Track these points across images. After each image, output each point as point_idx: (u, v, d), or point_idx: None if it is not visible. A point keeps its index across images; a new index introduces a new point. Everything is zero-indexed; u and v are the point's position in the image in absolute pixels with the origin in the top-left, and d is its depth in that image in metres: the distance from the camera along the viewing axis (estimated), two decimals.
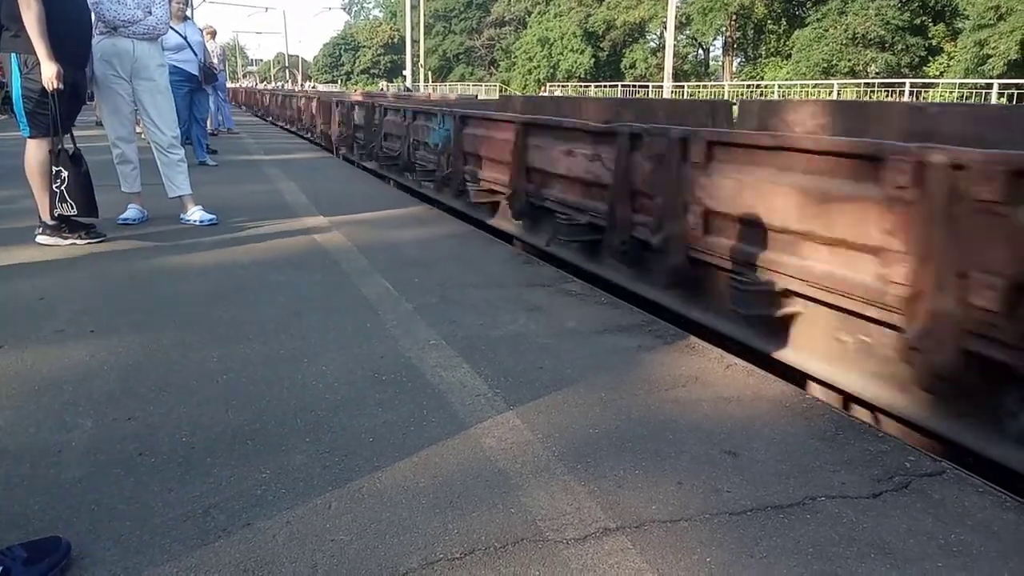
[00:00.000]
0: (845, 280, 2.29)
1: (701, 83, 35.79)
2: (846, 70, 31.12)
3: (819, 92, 25.55)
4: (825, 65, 31.91)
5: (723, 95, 27.60)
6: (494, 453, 1.86)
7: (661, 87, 28.49)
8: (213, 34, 10.47)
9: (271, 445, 1.88)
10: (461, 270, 3.68)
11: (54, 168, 3.89)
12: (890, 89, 22.99)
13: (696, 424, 2.04)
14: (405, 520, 1.58)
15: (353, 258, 3.90)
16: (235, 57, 71.62)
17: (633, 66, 43.75)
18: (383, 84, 53.50)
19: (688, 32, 42.88)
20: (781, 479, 1.76)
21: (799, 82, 28.89)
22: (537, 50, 47.16)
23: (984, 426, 1.97)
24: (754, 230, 2.69)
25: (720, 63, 45.18)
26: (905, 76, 27.15)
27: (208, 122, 9.29)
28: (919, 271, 2.01)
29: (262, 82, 57.69)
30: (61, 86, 3.77)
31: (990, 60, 26.06)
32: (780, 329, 2.63)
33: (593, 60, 45.20)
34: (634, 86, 34.28)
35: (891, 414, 2.22)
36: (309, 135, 13.01)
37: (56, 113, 3.83)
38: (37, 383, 2.24)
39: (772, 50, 39.07)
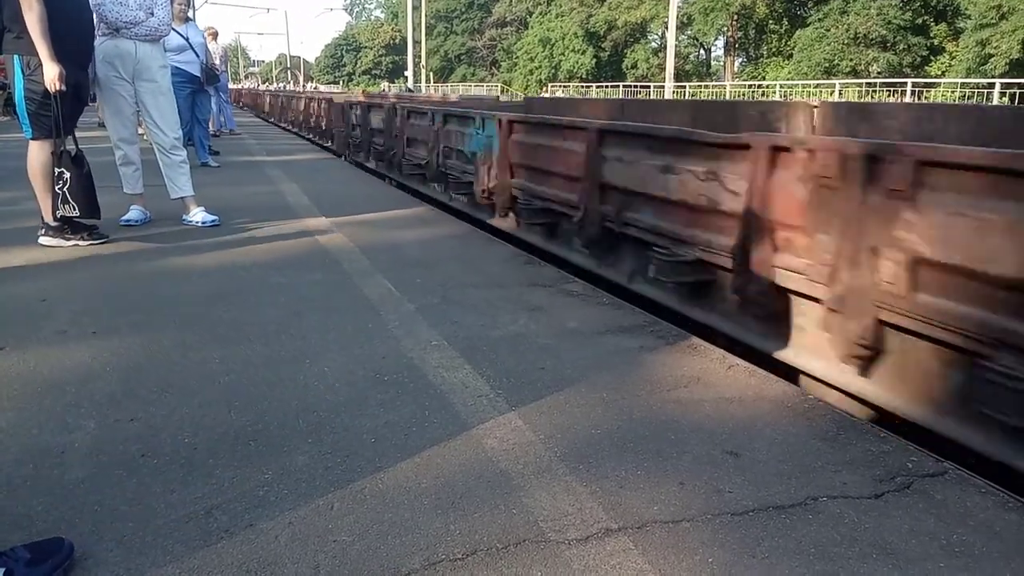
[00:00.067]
0: None
1: (703, 83, 35.78)
2: (848, 70, 31.10)
3: (821, 92, 25.52)
4: (827, 65, 31.89)
5: (725, 95, 27.59)
6: (496, 454, 1.86)
7: (663, 87, 28.47)
8: (215, 35, 10.49)
9: (273, 446, 1.89)
10: (462, 270, 3.69)
11: (56, 169, 3.89)
12: (892, 89, 22.96)
13: (698, 424, 2.04)
14: (407, 521, 1.58)
15: (355, 259, 3.91)
16: (237, 58, 71.67)
17: (635, 66, 43.73)
18: (385, 85, 53.52)
19: (689, 32, 42.86)
20: (783, 479, 1.76)
21: (800, 82, 28.86)
22: (539, 51, 47.17)
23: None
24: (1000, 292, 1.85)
25: (722, 63, 45.16)
26: (907, 76, 27.12)
27: (210, 123, 9.30)
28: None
29: (264, 83, 57.79)
30: (63, 87, 3.78)
31: (992, 59, 26.03)
32: None
33: (594, 60, 45.18)
34: (636, 86, 34.23)
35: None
36: (317, 138, 12.41)
37: (58, 114, 3.84)
38: (39, 384, 2.24)
39: (774, 50, 39.04)
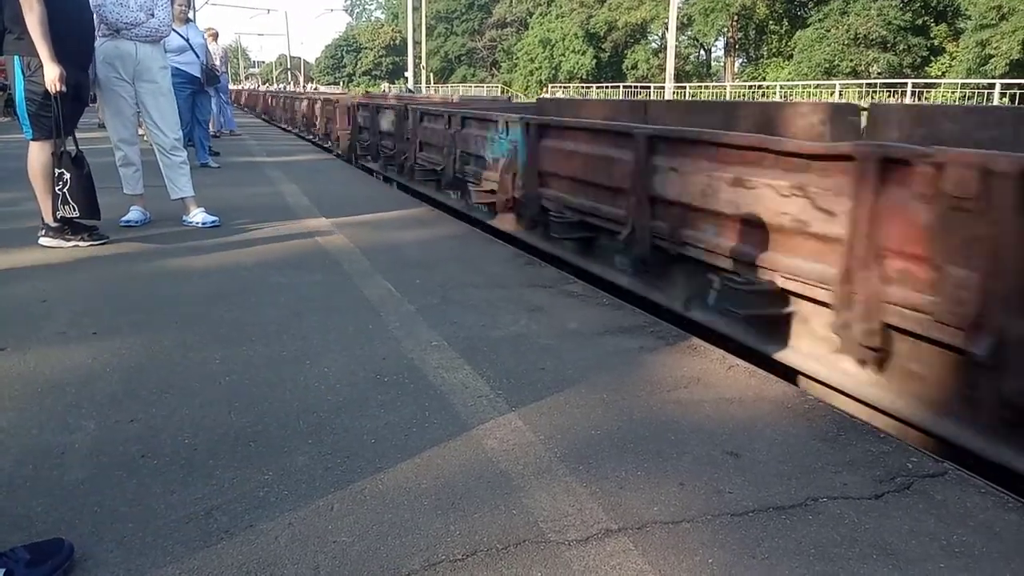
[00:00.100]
0: None
1: (703, 84, 35.79)
2: (848, 71, 31.12)
3: (821, 93, 25.53)
4: (827, 66, 31.91)
5: (725, 96, 27.60)
6: (496, 454, 1.86)
7: (663, 88, 28.48)
8: (215, 36, 10.49)
9: (273, 447, 1.89)
10: (462, 271, 3.69)
11: (56, 170, 3.90)
12: (892, 89, 22.96)
13: (698, 425, 2.04)
14: (407, 521, 1.58)
15: (355, 259, 3.91)
16: (237, 59, 71.73)
17: (635, 67, 43.77)
18: (385, 85, 53.56)
19: (690, 33, 42.90)
20: (783, 480, 1.76)
21: (801, 83, 28.87)
22: (539, 51, 47.20)
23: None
24: None
25: (722, 64, 45.18)
26: (907, 76, 27.13)
27: (210, 124, 9.31)
28: None
29: (264, 84, 57.83)
30: (64, 88, 3.78)
31: (992, 60, 26.05)
32: None
33: (595, 61, 45.23)
34: (636, 87, 34.24)
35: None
36: (320, 141, 12.04)
37: (59, 115, 3.84)
38: (40, 385, 2.24)
39: (774, 51, 39.07)
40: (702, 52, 47.48)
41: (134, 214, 4.75)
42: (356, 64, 74.16)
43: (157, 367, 2.39)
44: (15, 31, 3.75)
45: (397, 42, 67.18)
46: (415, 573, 1.42)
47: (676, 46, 29.41)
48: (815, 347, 2.46)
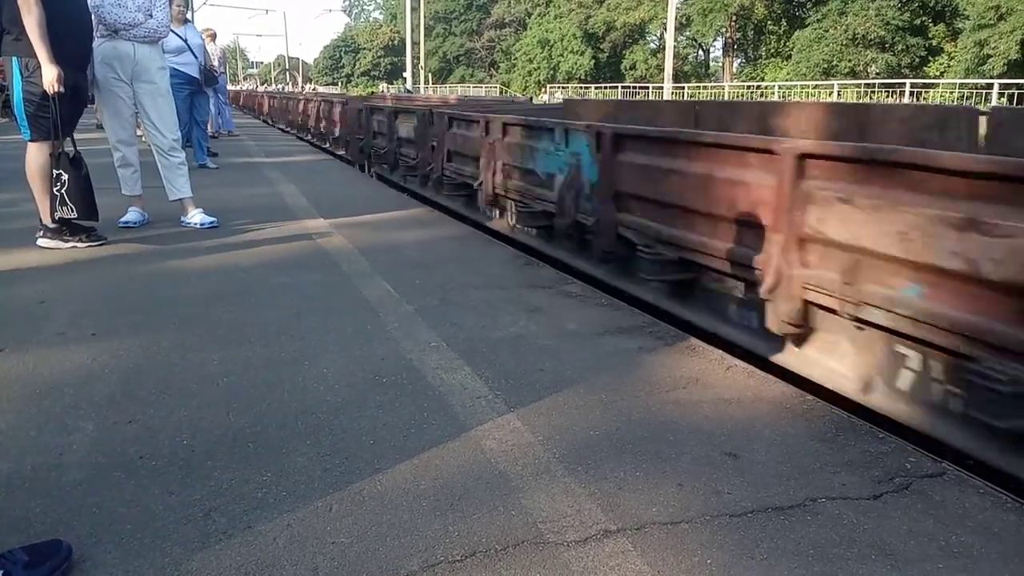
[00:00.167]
0: None
1: (701, 84, 35.81)
2: (846, 71, 31.14)
3: (820, 93, 25.55)
4: (825, 66, 31.93)
5: (724, 96, 27.62)
6: (495, 455, 1.86)
7: (662, 88, 28.49)
8: (213, 37, 10.48)
9: (272, 448, 1.89)
10: (462, 271, 3.69)
11: (55, 171, 3.89)
12: (890, 90, 22.98)
13: (697, 426, 2.04)
14: (406, 522, 1.58)
15: (354, 260, 3.91)
16: (235, 59, 71.72)
17: (633, 67, 43.80)
18: (384, 86, 53.52)
19: (688, 33, 42.91)
20: (782, 481, 1.76)
21: (799, 83, 28.89)
22: (537, 52, 47.20)
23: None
24: None
25: (720, 64, 45.22)
26: (905, 76, 27.16)
27: (209, 125, 9.30)
28: None
29: (262, 84, 57.83)
30: (62, 89, 3.78)
31: (990, 60, 26.07)
32: None
33: (593, 62, 45.24)
34: (634, 87, 34.26)
35: None
36: (326, 145, 11.20)
37: (57, 116, 3.84)
38: (38, 386, 2.24)
39: (772, 51, 39.09)
40: (700, 52, 47.53)
41: (132, 215, 4.74)
42: (354, 65, 74.14)
43: (155, 368, 2.39)
44: (13, 32, 3.75)
45: (395, 42, 67.17)
46: (414, 574, 1.42)
47: (675, 46, 29.43)
48: None
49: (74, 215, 3.99)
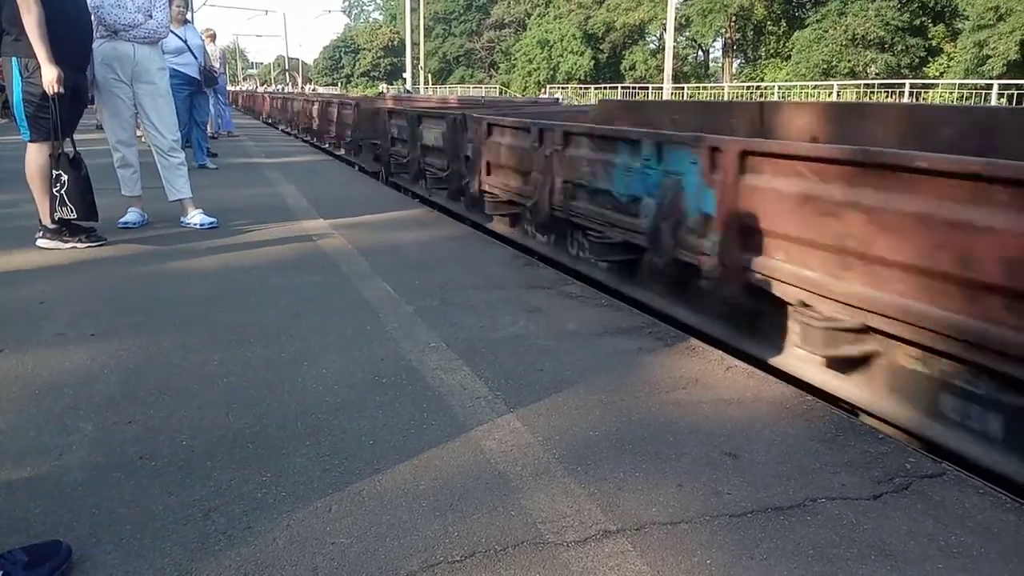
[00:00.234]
0: None
1: (701, 84, 35.82)
2: (846, 71, 31.15)
3: (819, 93, 25.55)
4: (825, 66, 31.94)
5: (723, 96, 27.63)
6: (494, 456, 1.86)
7: (661, 88, 28.51)
8: (213, 37, 10.49)
9: (271, 448, 1.89)
10: (461, 272, 3.69)
11: (54, 172, 3.90)
12: (890, 90, 22.99)
13: (696, 426, 2.04)
14: (405, 523, 1.58)
15: (353, 260, 3.91)
16: (235, 60, 71.71)
17: (633, 68, 43.81)
18: (383, 86, 53.52)
19: (688, 34, 42.93)
20: (781, 481, 1.76)
21: (799, 83, 28.90)
22: (537, 52, 47.20)
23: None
24: None
25: (720, 64, 45.24)
26: (905, 77, 27.16)
27: (208, 125, 9.30)
28: None
29: (262, 85, 57.82)
30: (62, 90, 3.78)
31: (990, 61, 26.08)
32: None
33: (593, 62, 45.24)
34: (634, 88, 34.27)
35: None
36: (339, 152, 10.32)
37: (57, 117, 3.84)
38: (38, 387, 2.24)
39: (772, 51, 39.11)
40: (700, 53, 47.55)
41: (132, 215, 4.74)
42: (354, 65, 74.14)
43: (155, 368, 2.39)
44: (13, 32, 3.75)
45: (395, 43, 67.18)
46: (413, 574, 1.42)
47: (674, 47, 29.45)
48: None
49: (74, 216, 3.99)
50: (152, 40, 4.52)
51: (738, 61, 43.38)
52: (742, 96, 26.86)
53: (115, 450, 1.86)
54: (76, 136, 4.12)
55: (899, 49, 31.72)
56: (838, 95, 23.90)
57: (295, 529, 1.55)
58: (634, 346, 2.67)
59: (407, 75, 37.97)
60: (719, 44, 43.64)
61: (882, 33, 31.30)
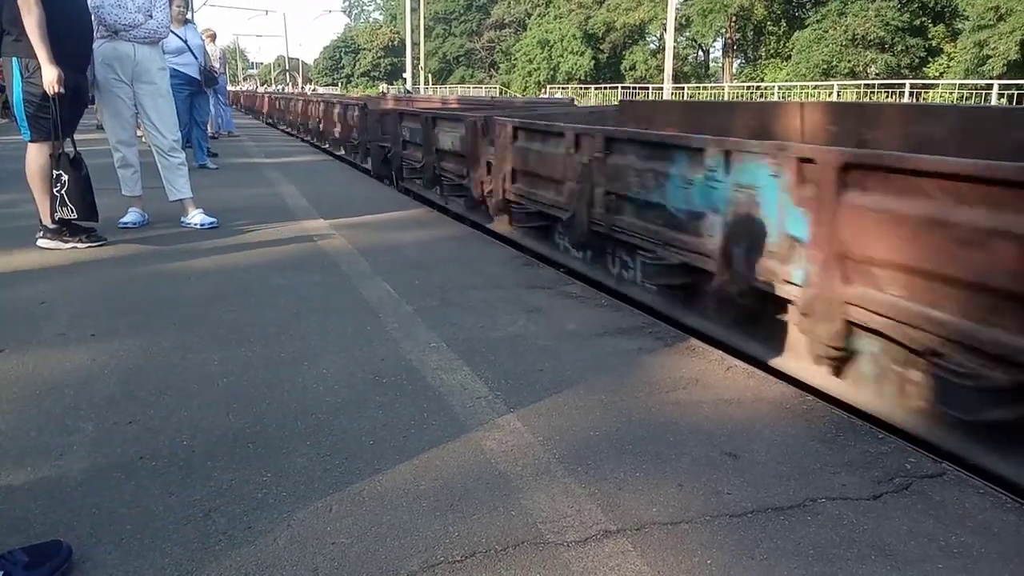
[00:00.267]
0: None
1: (701, 84, 35.83)
2: (846, 71, 31.14)
3: (819, 93, 25.56)
4: (825, 66, 31.94)
5: (723, 96, 27.62)
6: (494, 456, 1.86)
7: (661, 88, 28.51)
8: (213, 37, 10.48)
9: (272, 448, 1.89)
10: (461, 272, 3.69)
11: (55, 172, 3.90)
12: (890, 90, 22.99)
13: (697, 426, 2.04)
14: (406, 523, 1.58)
15: (354, 260, 3.91)
16: (235, 60, 71.74)
17: (633, 68, 43.80)
18: (384, 86, 53.53)
19: (688, 34, 42.92)
20: (782, 481, 1.76)
21: (799, 83, 28.90)
22: (537, 52, 47.20)
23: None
24: None
25: (720, 65, 45.25)
26: (905, 77, 27.16)
27: (208, 125, 9.30)
28: None
29: (262, 85, 57.83)
30: (62, 90, 3.78)
31: (990, 61, 26.07)
32: None
33: (593, 62, 45.25)
34: (634, 88, 34.27)
35: None
36: (345, 153, 9.84)
37: (57, 117, 3.84)
38: (38, 387, 2.24)
39: (772, 51, 39.10)
40: (700, 53, 47.54)
41: (132, 216, 4.75)
42: (354, 65, 74.15)
43: (155, 368, 2.39)
44: (13, 33, 3.75)
45: (395, 43, 67.18)
46: (414, 574, 1.42)
47: (674, 47, 29.45)
48: None
49: (74, 216, 3.99)
50: (152, 40, 4.53)
51: (738, 61, 43.40)
52: (742, 96, 26.86)
53: (115, 450, 1.86)
54: (76, 136, 4.12)
55: (899, 49, 31.71)
56: (838, 95, 23.89)
57: (295, 529, 1.55)
58: (634, 346, 2.67)
59: (407, 75, 37.98)
60: (719, 44, 43.67)
61: (882, 33, 31.30)
